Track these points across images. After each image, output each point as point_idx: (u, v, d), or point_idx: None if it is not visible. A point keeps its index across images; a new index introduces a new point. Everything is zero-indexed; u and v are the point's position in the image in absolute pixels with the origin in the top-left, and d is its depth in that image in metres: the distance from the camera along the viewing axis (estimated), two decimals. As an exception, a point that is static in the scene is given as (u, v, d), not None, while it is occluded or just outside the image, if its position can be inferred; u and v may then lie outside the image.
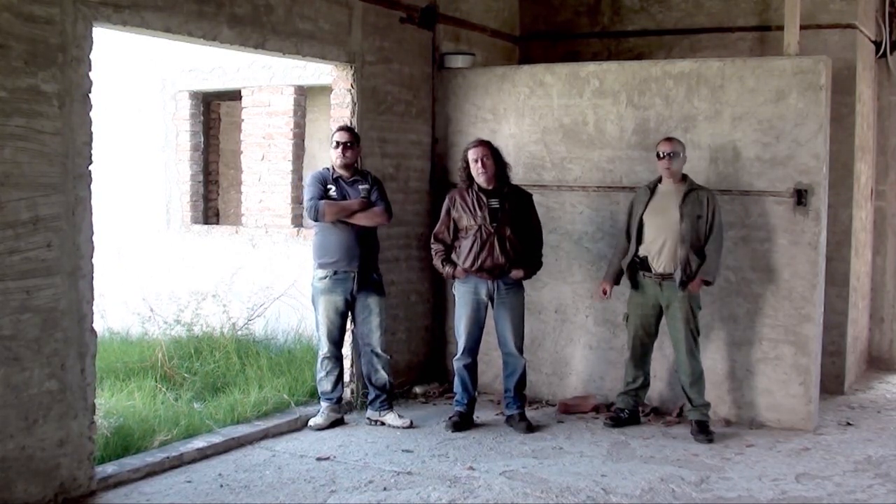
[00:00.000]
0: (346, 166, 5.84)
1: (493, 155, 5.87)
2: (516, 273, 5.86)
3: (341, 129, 5.93)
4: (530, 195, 6.11)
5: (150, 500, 4.55)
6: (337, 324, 5.89)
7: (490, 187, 5.86)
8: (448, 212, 5.95)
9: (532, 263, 5.97)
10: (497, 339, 6.01)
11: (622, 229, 6.02)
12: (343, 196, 5.82)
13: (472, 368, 6.03)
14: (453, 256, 5.93)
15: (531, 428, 5.93)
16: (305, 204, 5.86)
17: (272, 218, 8.10)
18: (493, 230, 5.78)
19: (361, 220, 5.80)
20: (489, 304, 5.92)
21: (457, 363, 6.03)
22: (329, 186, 5.82)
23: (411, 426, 5.93)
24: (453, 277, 5.94)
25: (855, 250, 7.33)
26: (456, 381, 6.07)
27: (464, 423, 5.96)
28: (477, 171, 5.83)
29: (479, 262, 5.79)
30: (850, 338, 7.34)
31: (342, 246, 5.79)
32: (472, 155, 5.85)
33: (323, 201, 5.75)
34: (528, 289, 6.58)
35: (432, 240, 6.02)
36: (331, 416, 5.94)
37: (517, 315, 5.94)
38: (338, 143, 5.81)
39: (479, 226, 5.80)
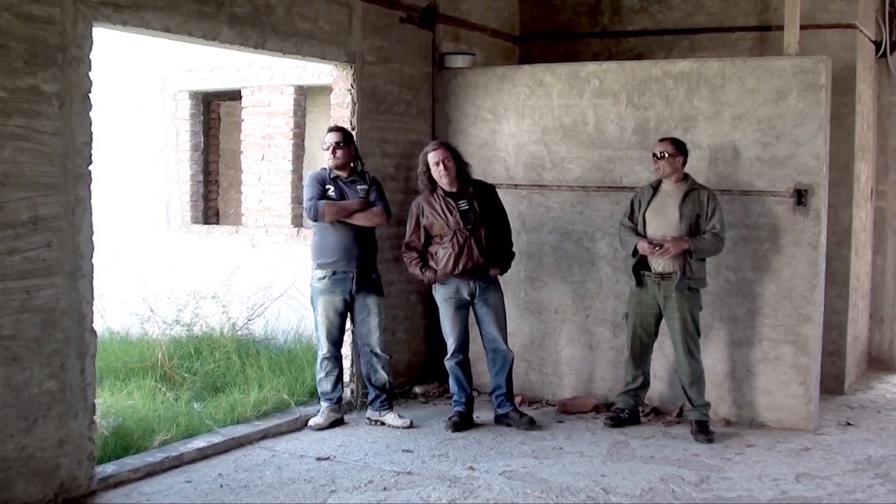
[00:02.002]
0: (339, 167, 5.84)
1: (452, 156, 5.86)
2: (494, 271, 5.92)
3: (331, 129, 5.92)
4: (493, 186, 6.14)
5: (150, 500, 4.55)
6: (336, 324, 5.89)
7: (454, 189, 5.86)
8: (417, 220, 5.93)
9: (505, 257, 6.04)
10: (482, 337, 6.03)
11: (625, 214, 5.94)
12: (341, 196, 5.82)
13: (464, 365, 6.04)
14: (430, 262, 5.92)
15: (533, 423, 5.93)
16: (305, 204, 5.87)
17: (272, 218, 8.09)
18: (468, 233, 5.79)
19: (360, 220, 5.80)
20: (471, 302, 5.94)
21: (449, 363, 6.03)
22: (328, 186, 5.82)
23: (411, 426, 5.93)
24: (434, 282, 5.94)
25: (855, 250, 7.33)
26: (451, 381, 6.07)
27: (464, 422, 5.96)
28: (439, 174, 5.81)
29: (461, 265, 5.79)
30: (850, 338, 7.34)
31: (340, 246, 5.79)
32: (432, 158, 5.82)
33: (322, 201, 5.75)
34: (529, 288, 6.63)
35: (404, 249, 6.02)
36: (331, 416, 5.94)
37: (500, 310, 5.99)
38: (328, 144, 5.82)
39: (453, 231, 5.79)
